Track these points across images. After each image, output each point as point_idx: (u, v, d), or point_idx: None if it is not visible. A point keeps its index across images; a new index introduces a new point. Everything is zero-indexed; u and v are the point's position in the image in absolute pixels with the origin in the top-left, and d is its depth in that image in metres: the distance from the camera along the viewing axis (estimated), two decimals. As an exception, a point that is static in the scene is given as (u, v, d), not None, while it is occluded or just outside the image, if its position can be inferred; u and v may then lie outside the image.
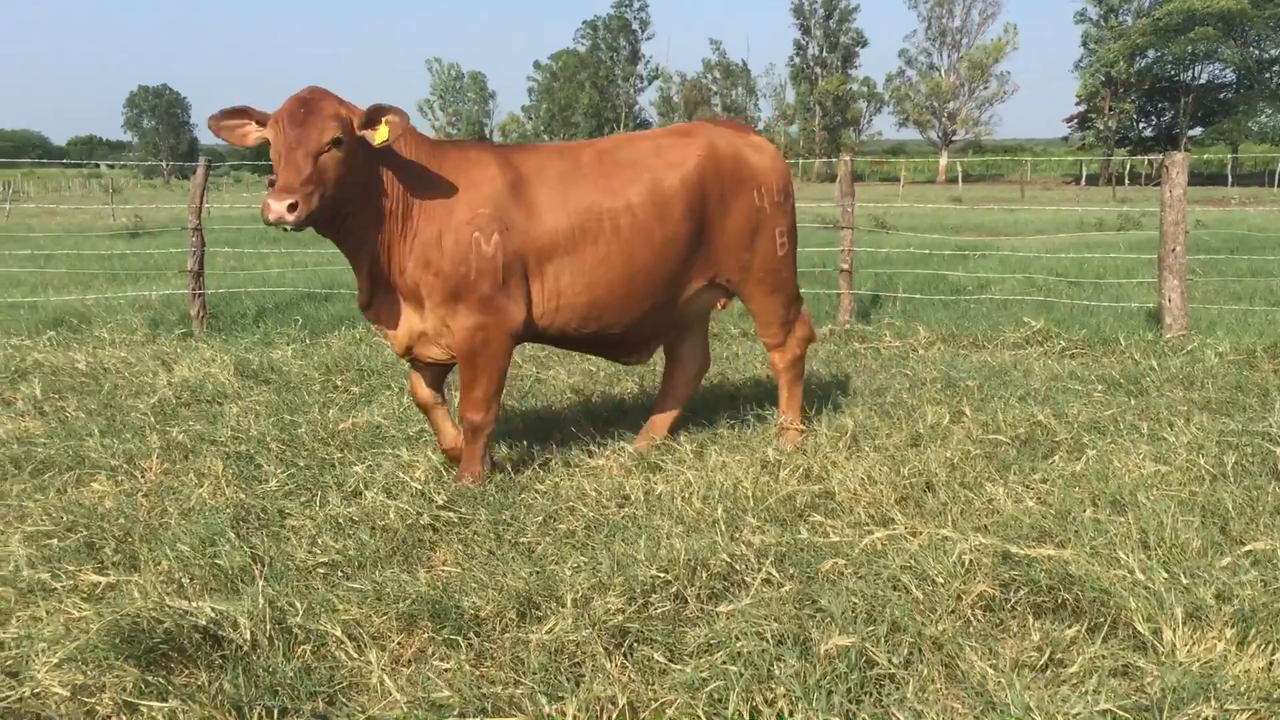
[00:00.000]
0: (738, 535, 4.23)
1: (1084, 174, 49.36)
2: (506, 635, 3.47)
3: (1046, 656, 3.29)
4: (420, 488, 4.70)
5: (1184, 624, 3.34)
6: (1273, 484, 4.71)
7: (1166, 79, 71.54)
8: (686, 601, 3.69)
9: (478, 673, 3.25)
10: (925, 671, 3.19)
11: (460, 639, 3.40)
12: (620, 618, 3.46)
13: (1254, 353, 7.79)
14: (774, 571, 3.84)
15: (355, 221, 4.67)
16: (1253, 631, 3.29)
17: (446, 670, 3.26)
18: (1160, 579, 3.57)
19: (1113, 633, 3.41)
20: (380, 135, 4.52)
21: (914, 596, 3.60)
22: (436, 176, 4.78)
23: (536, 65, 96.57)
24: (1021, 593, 3.65)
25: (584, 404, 6.76)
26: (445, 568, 4.01)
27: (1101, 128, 71.88)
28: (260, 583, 3.74)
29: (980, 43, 79.85)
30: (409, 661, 3.36)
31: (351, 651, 3.34)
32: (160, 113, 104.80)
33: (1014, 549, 3.85)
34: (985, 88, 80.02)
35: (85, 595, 3.73)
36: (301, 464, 5.24)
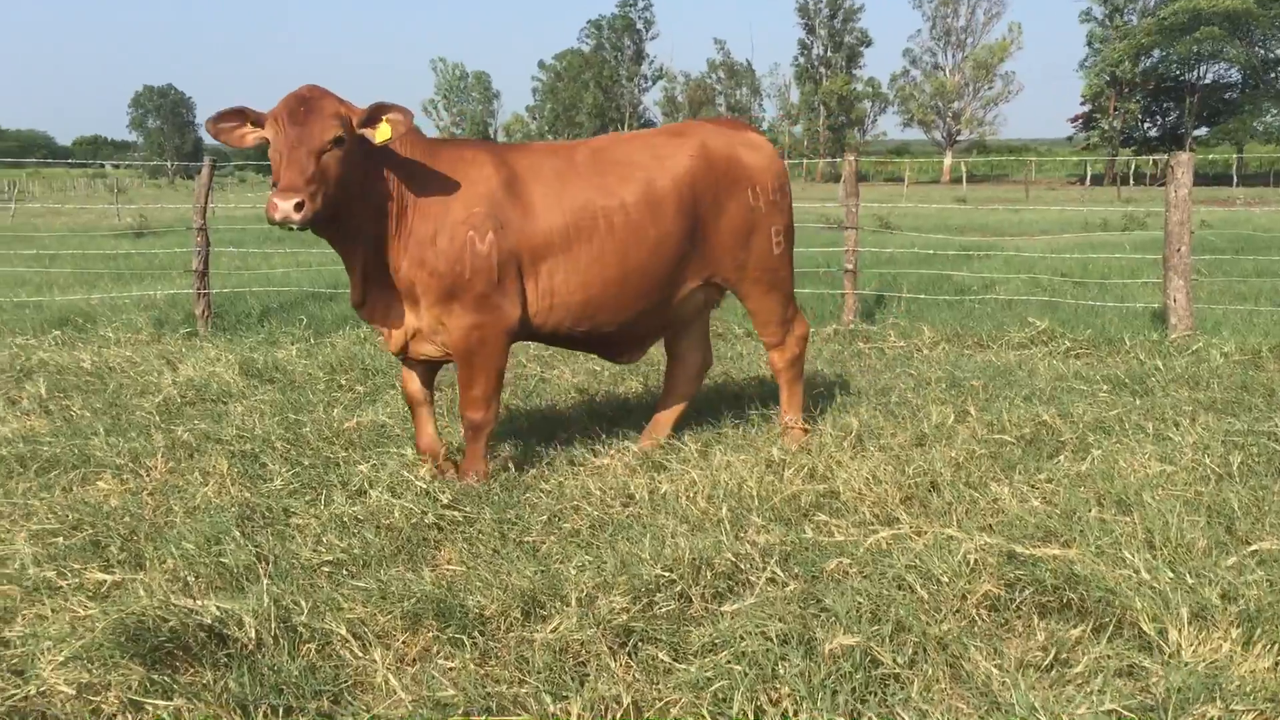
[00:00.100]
0: (742, 534, 4.23)
1: (1089, 174, 49.12)
2: (511, 634, 3.48)
3: (1051, 656, 3.28)
4: (425, 487, 4.70)
5: (1189, 624, 3.33)
6: (1278, 484, 4.70)
7: (1172, 79, 71.42)
8: (691, 601, 3.69)
9: (482, 672, 3.25)
10: (930, 671, 3.19)
11: (465, 638, 3.40)
12: (625, 617, 3.46)
13: (1259, 353, 7.78)
14: (779, 571, 3.84)
15: (350, 220, 4.64)
16: (1258, 631, 3.29)
17: (451, 669, 3.26)
18: (1166, 579, 3.56)
19: (1118, 633, 3.40)
20: (382, 133, 4.51)
21: (919, 596, 3.59)
22: (432, 175, 4.77)
23: (541, 65, 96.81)
24: (1026, 592, 3.65)
25: (588, 403, 6.76)
26: (450, 567, 4.01)
27: (1106, 128, 71.77)
28: (265, 581, 3.74)
29: (985, 42, 79.87)
30: (414, 660, 3.37)
31: (356, 650, 3.35)
32: (165, 113, 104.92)
33: (1019, 549, 3.84)
34: (990, 87, 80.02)
35: (91, 594, 3.74)
36: (306, 463, 5.24)
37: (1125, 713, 2.91)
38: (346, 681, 3.20)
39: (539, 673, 3.19)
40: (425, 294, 4.79)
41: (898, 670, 3.17)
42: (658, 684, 3.15)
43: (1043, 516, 4.28)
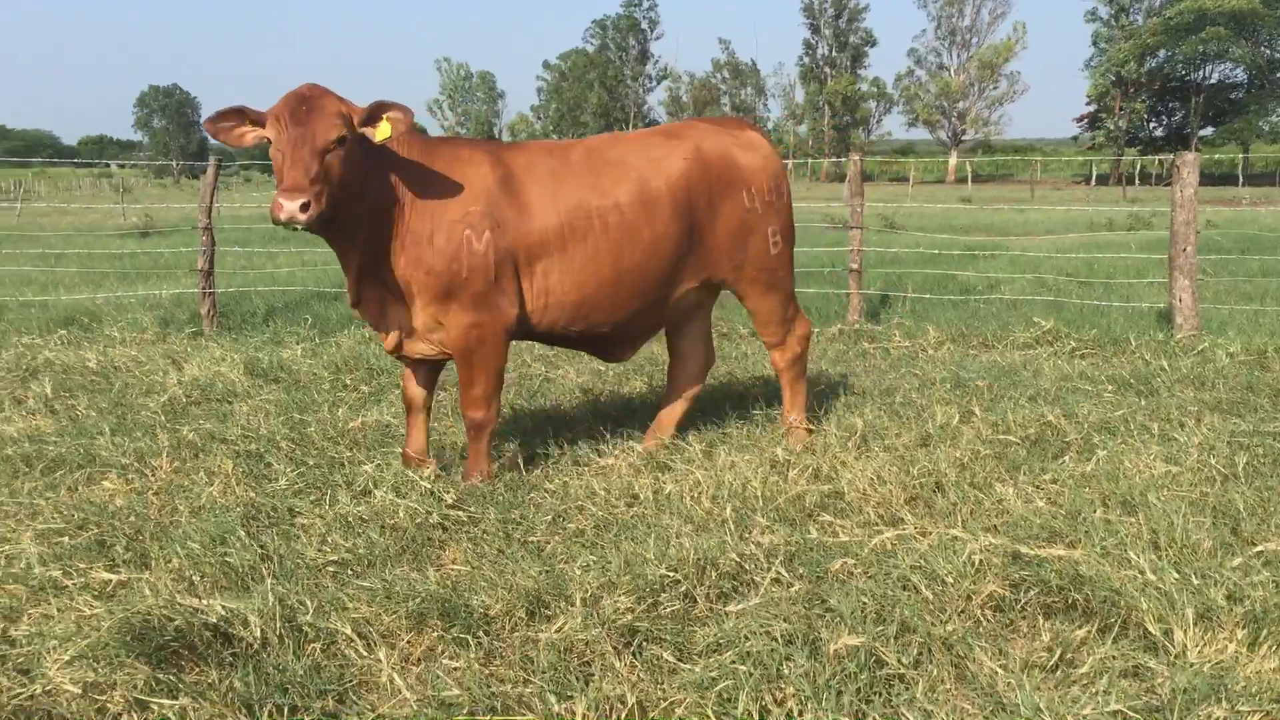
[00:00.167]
0: (747, 535, 4.23)
1: (1094, 174, 49.18)
2: (516, 634, 3.48)
3: (1057, 657, 3.28)
4: (429, 486, 4.70)
5: (1195, 625, 3.33)
6: (1284, 485, 4.69)
7: (1177, 79, 71.25)
8: (696, 601, 3.69)
9: (487, 671, 3.26)
10: (935, 671, 3.18)
11: (470, 637, 3.40)
12: (629, 617, 3.46)
13: (1265, 353, 7.75)
14: (783, 571, 3.84)
15: (347, 219, 4.61)
16: (1264, 632, 3.28)
17: (456, 669, 3.26)
18: (1171, 580, 3.56)
19: (1123, 633, 3.40)
20: (382, 132, 4.50)
21: (924, 596, 3.59)
22: (429, 174, 4.77)
23: (545, 65, 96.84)
24: (1032, 593, 3.64)
25: (593, 403, 6.76)
26: (454, 566, 4.02)
27: (1112, 127, 71.66)
28: (270, 581, 3.74)
29: (990, 42, 79.85)
30: (419, 660, 3.37)
31: (361, 650, 3.35)
32: (170, 112, 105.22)
33: (1024, 549, 3.84)
34: (995, 87, 79.94)
35: (96, 593, 3.74)
36: (311, 463, 5.25)
37: (1130, 713, 2.91)
38: (351, 681, 3.21)
39: (544, 673, 3.19)
40: (422, 293, 4.79)
41: (903, 670, 3.17)
42: (662, 684, 3.15)
43: (1048, 517, 4.28)
